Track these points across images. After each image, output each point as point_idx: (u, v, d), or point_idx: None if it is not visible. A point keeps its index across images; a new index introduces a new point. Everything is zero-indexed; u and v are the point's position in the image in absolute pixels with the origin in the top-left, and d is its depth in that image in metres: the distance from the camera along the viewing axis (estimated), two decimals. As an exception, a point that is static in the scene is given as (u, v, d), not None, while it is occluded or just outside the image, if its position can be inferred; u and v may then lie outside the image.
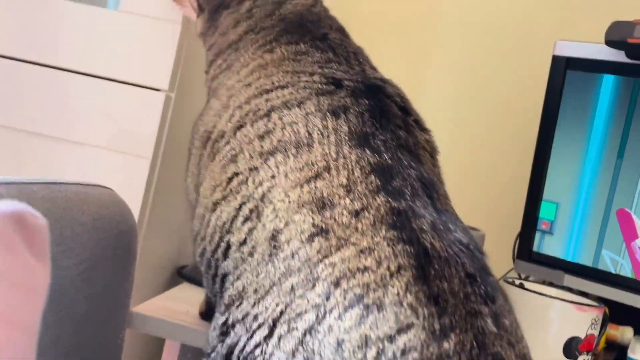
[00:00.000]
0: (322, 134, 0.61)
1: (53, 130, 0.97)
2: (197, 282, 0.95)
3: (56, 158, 0.96)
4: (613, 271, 0.96)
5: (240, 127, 0.67)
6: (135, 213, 0.88)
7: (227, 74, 0.77)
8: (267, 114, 0.66)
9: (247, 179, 0.63)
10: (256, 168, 0.63)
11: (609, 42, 0.91)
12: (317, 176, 0.58)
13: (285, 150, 0.61)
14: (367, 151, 0.60)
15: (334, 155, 0.59)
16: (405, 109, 0.69)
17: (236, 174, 0.64)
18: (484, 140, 1.29)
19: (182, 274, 1.05)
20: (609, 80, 0.96)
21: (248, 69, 0.74)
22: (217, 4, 0.82)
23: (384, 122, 0.64)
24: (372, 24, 1.34)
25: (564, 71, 0.98)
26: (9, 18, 1.00)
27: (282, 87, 0.68)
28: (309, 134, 0.62)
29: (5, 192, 0.58)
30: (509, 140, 1.26)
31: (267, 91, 0.69)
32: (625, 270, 0.95)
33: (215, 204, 0.66)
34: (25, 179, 0.64)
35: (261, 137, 0.64)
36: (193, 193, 0.76)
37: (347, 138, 0.61)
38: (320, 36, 0.76)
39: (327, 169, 0.59)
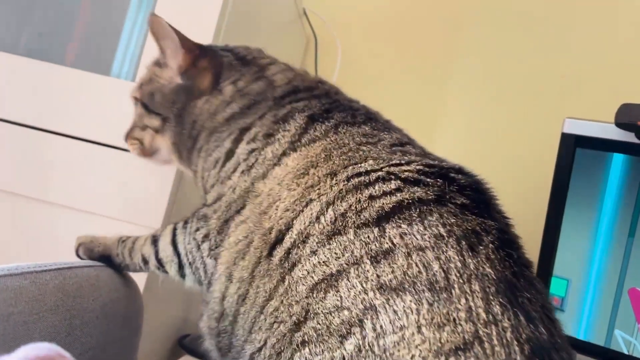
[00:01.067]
0: (461, 276, 0.46)
1: (62, 199, 0.97)
2: (199, 355, 0.93)
3: (66, 227, 0.96)
4: (626, 352, 0.94)
5: (336, 234, 0.53)
6: (141, 283, 0.88)
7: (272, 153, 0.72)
8: (378, 222, 0.51)
9: (360, 320, 0.46)
10: (374, 308, 0.46)
11: (619, 124, 0.92)
12: (466, 347, 0.43)
13: (416, 291, 0.46)
14: (521, 318, 0.45)
15: (483, 318, 0.44)
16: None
17: (338, 308, 0.48)
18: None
19: (184, 345, 1.03)
20: (618, 159, 0.96)
21: (315, 150, 0.67)
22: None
23: (514, 255, 0.50)
24: (381, 89, 1.36)
25: (574, 149, 0.99)
26: (20, 85, 1.01)
27: (384, 180, 0.55)
28: (445, 273, 0.46)
29: (19, 285, 0.58)
30: (518, 214, 1.25)
31: (367, 185, 0.56)
32: (638, 350, 0.93)
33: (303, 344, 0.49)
34: (38, 267, 0.63)
35: (375, 260, 0.49)
36: (233, 309, 0.62)
37: (493, 290, 0.46)
38: (350, 107, 0.75)
39: (478, 339, 0.43)
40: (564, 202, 1.00)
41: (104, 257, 0.79)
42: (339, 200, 0.55)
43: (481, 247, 0.48)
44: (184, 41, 0.82)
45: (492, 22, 1.38)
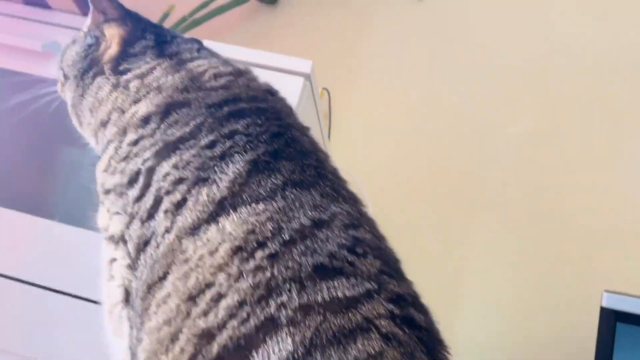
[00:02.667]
0: None
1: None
2: None
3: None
4: None
5: None
6: None
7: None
8: None
9: None
10: None
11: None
12: None
13: None
14: None
15: None
16: None
17: None
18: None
19: None
20: (663, 338, 0.93)
21: None
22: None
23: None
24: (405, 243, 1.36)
25: (614, 323, 0.96)
26: (34, 247, 1.00)
27: (364, 332, 0.50)
28: None
29: None
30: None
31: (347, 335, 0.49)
32: None
33: None
34: None
35: None
36: None
37: None
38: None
39: None
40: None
41: None
42: (310, 333, 0.47)
43: None
44: (112, 5, 0.76)
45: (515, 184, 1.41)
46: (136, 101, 0.69)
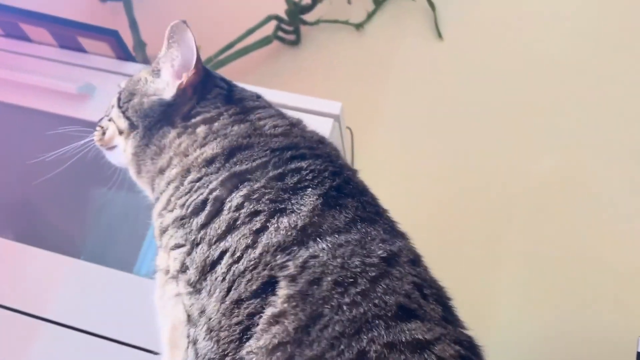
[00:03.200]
0: None
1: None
2: None
3: None
4: None
5: None
6: None
7: None
8: None
9: None
10: None
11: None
12: None
13: None
14: None
15: None
16: None
17: None
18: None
19: None
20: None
21: None
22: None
23: None
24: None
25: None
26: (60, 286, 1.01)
27: None
28: None
29: None
30: None
31: None
32: None
33: None
34: None
35: None
36: None
37: None
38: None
39: None
40: None
41: None
42: None
43: None
44: (200, 61, 0.77)
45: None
46: (202, 145, 0.72)
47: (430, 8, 1.65)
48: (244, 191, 0.64)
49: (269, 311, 0.56)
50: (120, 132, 0.81)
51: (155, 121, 0.77)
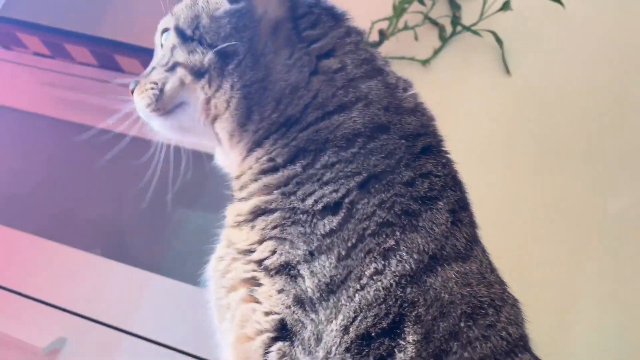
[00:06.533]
0: None
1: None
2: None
3: None
4: None
5: None
6: None
7: None
8: None
9: None
10: None
11: None
12: None
13: None
14: None
15: None
16: None
17: None
18: None
19: None
20: None
21: None
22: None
23: None
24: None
25: None
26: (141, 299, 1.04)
27: None
28: None
29: None
30: None
31: None
32: None
33: None
34: None
35: None
36: None
37: None
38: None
39: None
40: None
41: None
42: None
43: None
44: None
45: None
46: (342, 106, 0.59)
47: (497, 43, 1.67)
48: (377, 197, 0.54)
49: (398, 357, 0.50)
50: (196, 74, 0.60)
51: (258, 40, 0.57)
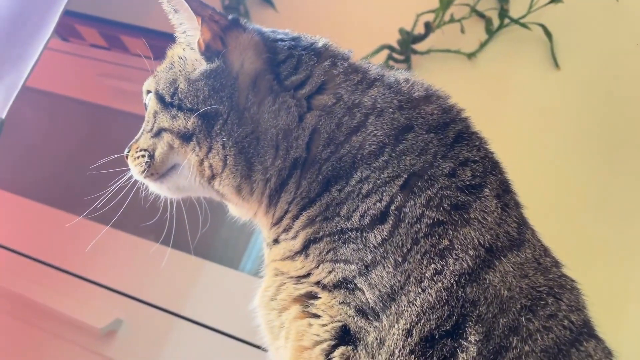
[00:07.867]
0: None
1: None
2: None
3: None
4: None
5: None
6: None
7: None
8: None
9: None
10: None
11: None
12: None
13: None
14: None
15: None
16: None
17: None
18: None
19: None
20: None
21: None
22: None
23: None
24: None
25: None
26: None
27: None
28: None
29: None
30: None
31: None
32: None
33: None
34: None
35: None
36: None
37: None
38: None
39: None
40: None
41: None
42: None
43: None
44: (200, 7, 0.59)
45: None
46: (354, 127, 0.59)
47: (546, 37, 1.64)
48: (422, 196, 0.54)
49: (460, 357, 0.51)
50: (183, 138, 0.61)
51: (238, 96, 0.58)
